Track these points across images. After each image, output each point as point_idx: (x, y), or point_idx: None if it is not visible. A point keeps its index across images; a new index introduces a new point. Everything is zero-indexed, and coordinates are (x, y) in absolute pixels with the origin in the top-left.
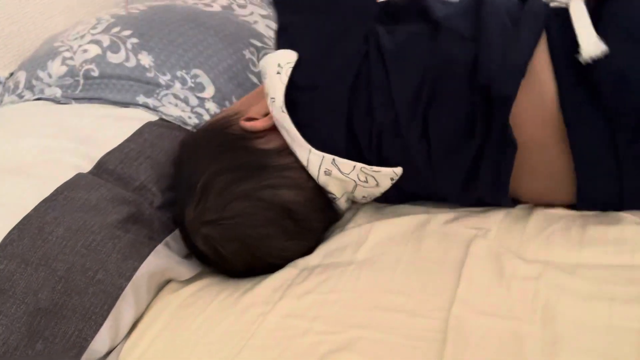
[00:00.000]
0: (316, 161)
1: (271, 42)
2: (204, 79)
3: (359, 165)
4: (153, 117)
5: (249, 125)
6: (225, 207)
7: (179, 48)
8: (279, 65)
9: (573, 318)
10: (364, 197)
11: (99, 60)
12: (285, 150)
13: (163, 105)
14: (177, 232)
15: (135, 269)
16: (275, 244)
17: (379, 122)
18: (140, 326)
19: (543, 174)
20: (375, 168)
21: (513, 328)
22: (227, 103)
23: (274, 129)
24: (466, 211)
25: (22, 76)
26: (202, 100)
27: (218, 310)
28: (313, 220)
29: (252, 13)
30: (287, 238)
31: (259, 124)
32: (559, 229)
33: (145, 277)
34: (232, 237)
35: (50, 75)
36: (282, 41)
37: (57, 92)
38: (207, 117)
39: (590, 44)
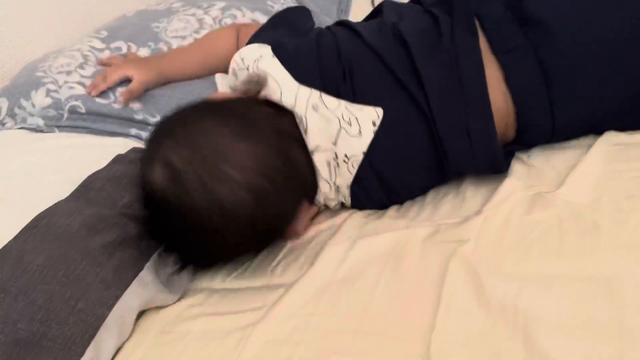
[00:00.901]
0: (304, 94)
1: None
2: None
3: (343, 102)
4: (140, 145)
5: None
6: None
7: (167, 89)
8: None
9: (553, 340)
10: (346, 156)
11: (85, 99)
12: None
13: None
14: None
15: (118, 298)
16: (228, 149)
17: (347, 54)
18: (121, 355)
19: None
20: (358, 105)
21: (494, 351)
22: None
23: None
24: (445, 224)
25: (3, 103)
26: None
27: (200, 336)
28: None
29: None
30: (238, 140)
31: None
32: (536, 238)
33: (127, 304)
34: (188, 145)
35: (33, 105)
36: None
37: (40, 122)
38: None
39: None
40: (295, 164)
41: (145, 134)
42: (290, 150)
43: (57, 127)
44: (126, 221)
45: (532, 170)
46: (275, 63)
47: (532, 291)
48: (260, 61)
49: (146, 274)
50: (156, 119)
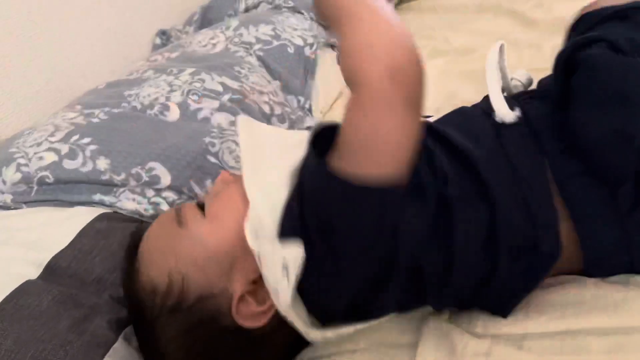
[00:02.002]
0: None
1: (230, 131)
2: (160, 170)
3: None
4: (106, 210)
5: (248, 324)
6: None
7: (136, 146)
8: (283, 266)
9: None
10: None
11: (54, 167)
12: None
13: (120, 201)
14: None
15: None
16: None
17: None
18: None
19: None
20: None
21: None
22: (185, 189)
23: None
24: None
25: None
26: (158, 191)
27: None
28: None
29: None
30: None
31: (260, 322)
32: None
33: None
34: None
35: (4, 182)
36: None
37: (8, 199)
38: (164, 206)
39: (501, 109)
40: None
41: (108, 199)
42: None
43: (25, 202)
44: (96, 298)
45: None
46: (290, 316)
47: (501, 350)
48: (276, 298)
49: (120, 346)
50: (121, 176)
